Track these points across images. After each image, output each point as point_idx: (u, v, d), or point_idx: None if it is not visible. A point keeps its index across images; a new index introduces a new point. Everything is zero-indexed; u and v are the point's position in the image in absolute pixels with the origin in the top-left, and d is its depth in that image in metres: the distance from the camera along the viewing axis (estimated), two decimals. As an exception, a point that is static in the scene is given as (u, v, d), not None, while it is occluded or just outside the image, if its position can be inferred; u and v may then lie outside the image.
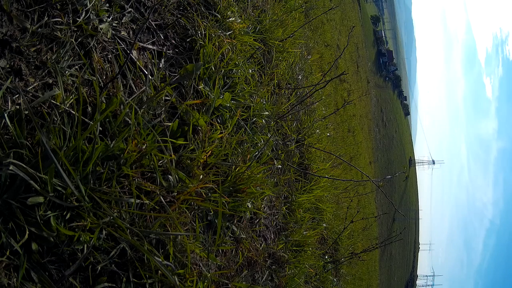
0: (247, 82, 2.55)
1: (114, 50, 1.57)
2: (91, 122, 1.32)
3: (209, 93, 2.03)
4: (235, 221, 2.07)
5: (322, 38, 8.55)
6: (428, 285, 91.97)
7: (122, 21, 1.66)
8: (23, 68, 1.19)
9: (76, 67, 1.37)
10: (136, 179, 1.42)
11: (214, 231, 1.85)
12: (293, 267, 2.66)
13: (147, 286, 1.34)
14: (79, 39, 1.40)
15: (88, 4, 1.43)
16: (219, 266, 1.83)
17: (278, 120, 3.13)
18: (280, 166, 2.98)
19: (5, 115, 1.07)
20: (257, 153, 2.25)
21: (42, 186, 1.09)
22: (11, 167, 1.02)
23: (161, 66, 1.83)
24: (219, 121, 2.11)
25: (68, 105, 1.26)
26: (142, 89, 1.60)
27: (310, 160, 3.83)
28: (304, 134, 3.78)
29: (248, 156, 2.17)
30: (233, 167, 1.98)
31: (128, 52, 1.61)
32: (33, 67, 1.23)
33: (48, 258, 1.11)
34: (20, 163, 1.05)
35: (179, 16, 2.06)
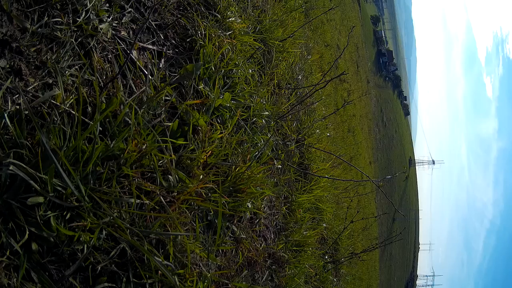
0: (247, 82, 2.55)
1: (114, 50, 1.57)
2: (91, 122, 1.32)
3: (209, 93, 2.03)
4: (235, 221, 2.07)
5: (322, 38, 8.55)
6: (428, 285, 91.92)
7: (122, 21, 1.66)
8: (23, 68, 1.19)
9: (76, 67, 1.37)
10: (136, 179, 1.42)
11: (214, 231, 1.85)
12: (293, 267, 2.65)
13: (147, 286, 1.34)
14: (79, 39, 1.40)
15: (88, 4, 1.43)
16: (219, 266, 1.83)
17: (278, 120, 3.13)
18: (280, 166, 2.98)
19: (5, 115, 1.07)
20: (257, 153, 2.25)
21: (42, 186, 1.09)
22: (11, 167, 1.02)
23: (161, 66, 1.83)
24: (219, 121, 2.11)
25: (68, 105, 1.26)
26: (142, 89, 1.60)
27: (310, 160, 3.83)
28: (304, 134, 3.78)
29: (248, 156, 2.16)
30: (233, 167, 1.98)
31: (128, 52, 1.61)
32: (33, 67, 1.23)
33: (48, 258, 1.11)
34: (20, 163, 1.05)
35: (179, 16, 2.06)
